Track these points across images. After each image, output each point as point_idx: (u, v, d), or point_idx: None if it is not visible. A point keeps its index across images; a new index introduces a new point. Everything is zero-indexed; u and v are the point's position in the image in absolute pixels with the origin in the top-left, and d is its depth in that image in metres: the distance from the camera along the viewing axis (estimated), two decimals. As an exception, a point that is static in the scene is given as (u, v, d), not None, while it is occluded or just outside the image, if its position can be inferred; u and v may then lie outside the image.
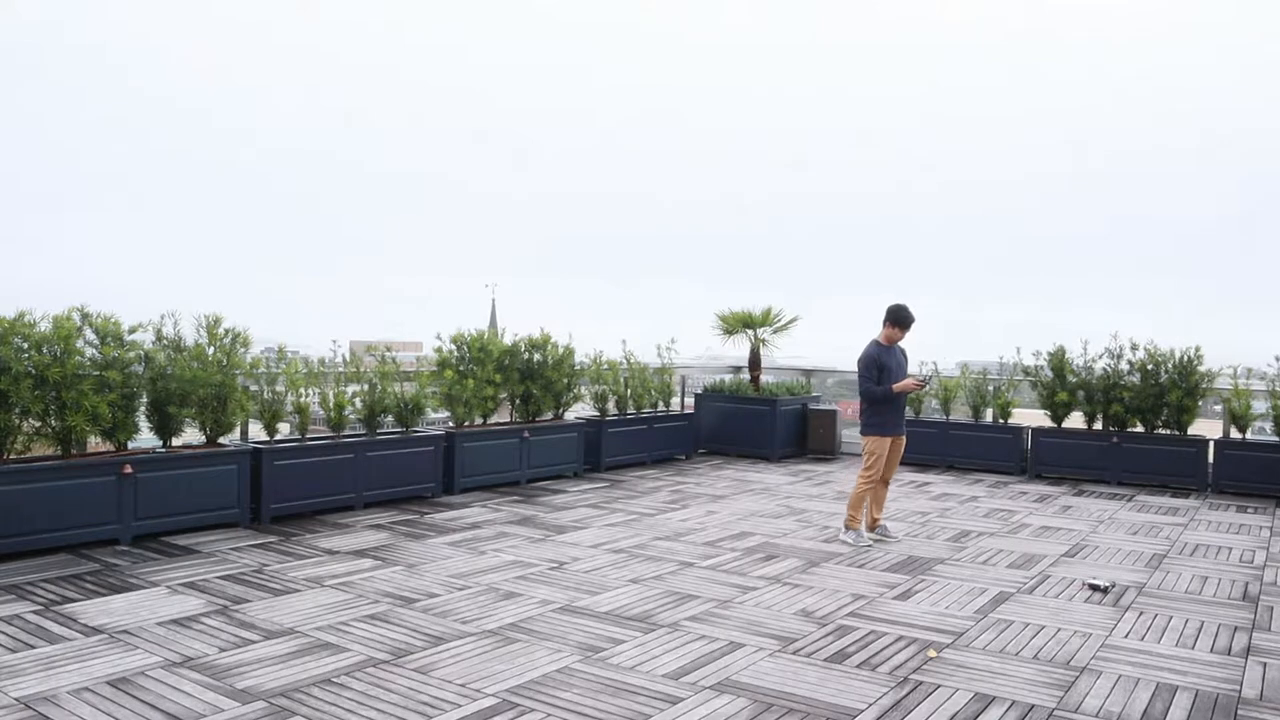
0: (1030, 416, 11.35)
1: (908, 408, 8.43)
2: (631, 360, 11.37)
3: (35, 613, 4.99)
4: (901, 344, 7.33)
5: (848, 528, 7.20)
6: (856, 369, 7.25)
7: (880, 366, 7.11)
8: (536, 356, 9.96)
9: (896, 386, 7.08)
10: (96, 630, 4.73)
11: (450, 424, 9.32)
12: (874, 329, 7.27)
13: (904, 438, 7.34)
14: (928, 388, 7.04)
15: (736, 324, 12.63)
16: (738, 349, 12.91)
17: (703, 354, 13.72)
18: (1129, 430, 10.47)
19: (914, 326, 7.21)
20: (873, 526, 7.36)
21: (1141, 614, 5.45)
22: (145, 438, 7.19)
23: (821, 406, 12.50)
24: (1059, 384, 10.77)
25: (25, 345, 6.27)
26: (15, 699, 3.86)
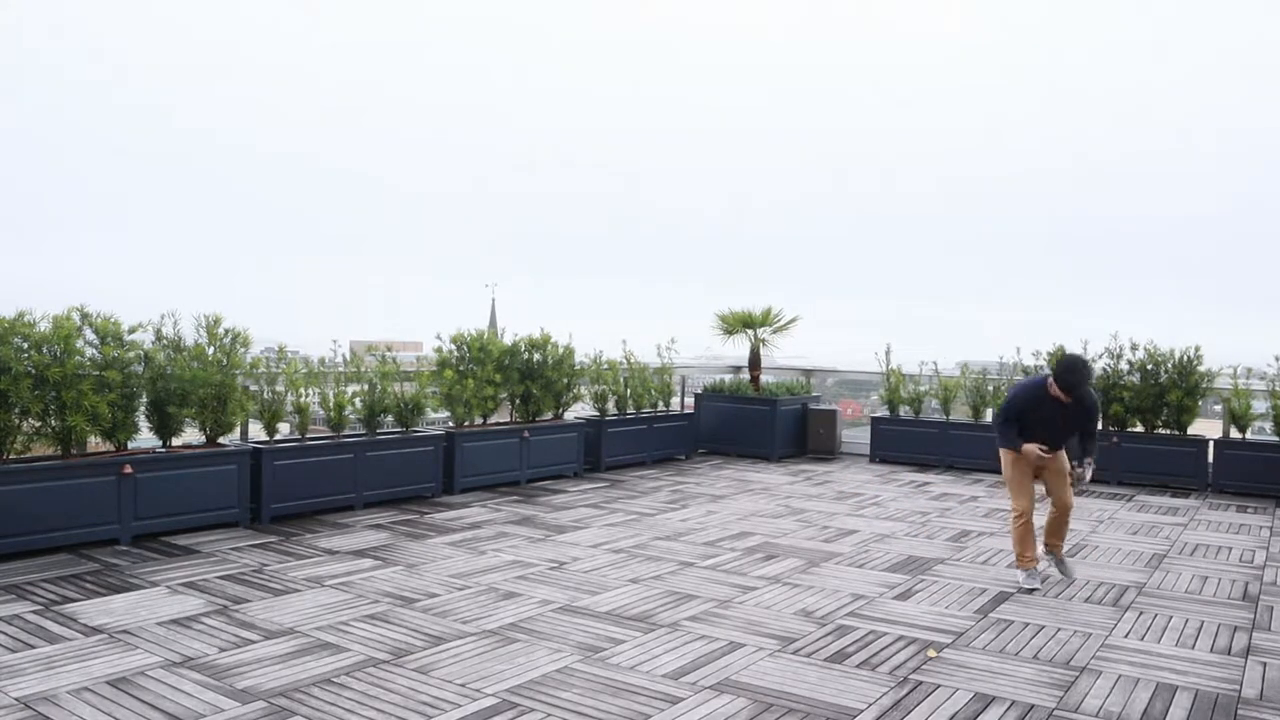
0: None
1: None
2: (631, 360, 11.37)
3: (35, 613, 4.99)
4: (1086, 396, 5.79)
5: (1018, 566, 6.08)
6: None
7: (1022, 415, 5.88)
8: (536, 356, 9.95)
9: (1026, 448, 5.83)
10: (96, 630, 4.73)
11: (450, 424, 9.32)
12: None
13: (1059, 453, 6.00)
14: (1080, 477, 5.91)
15: (736, 324, 12.63)
16: (738, 349, 12.92)
17: (703, 354, 13.72)
18: (1129, 430, 10.47)
19: (1071, 394, 5.68)
20: (1049, 550, 6.22)
21: (1141, 614, 5.44)
22: (145, 438, 7.19)
23: (821, 406, 12.50)
24: (1059, 384, 10.75)
25: (25, 345, 6.26)
26: (15, 699, 3.86)
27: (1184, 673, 4.48)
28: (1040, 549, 6.26)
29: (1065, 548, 6.74)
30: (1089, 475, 5.98)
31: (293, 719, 3.74)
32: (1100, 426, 5.98)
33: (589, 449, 10.43)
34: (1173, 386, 10.17)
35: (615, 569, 6.24)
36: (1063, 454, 6.06)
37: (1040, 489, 6.24)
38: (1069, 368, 5.62)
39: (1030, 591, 5.88)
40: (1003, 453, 6.10)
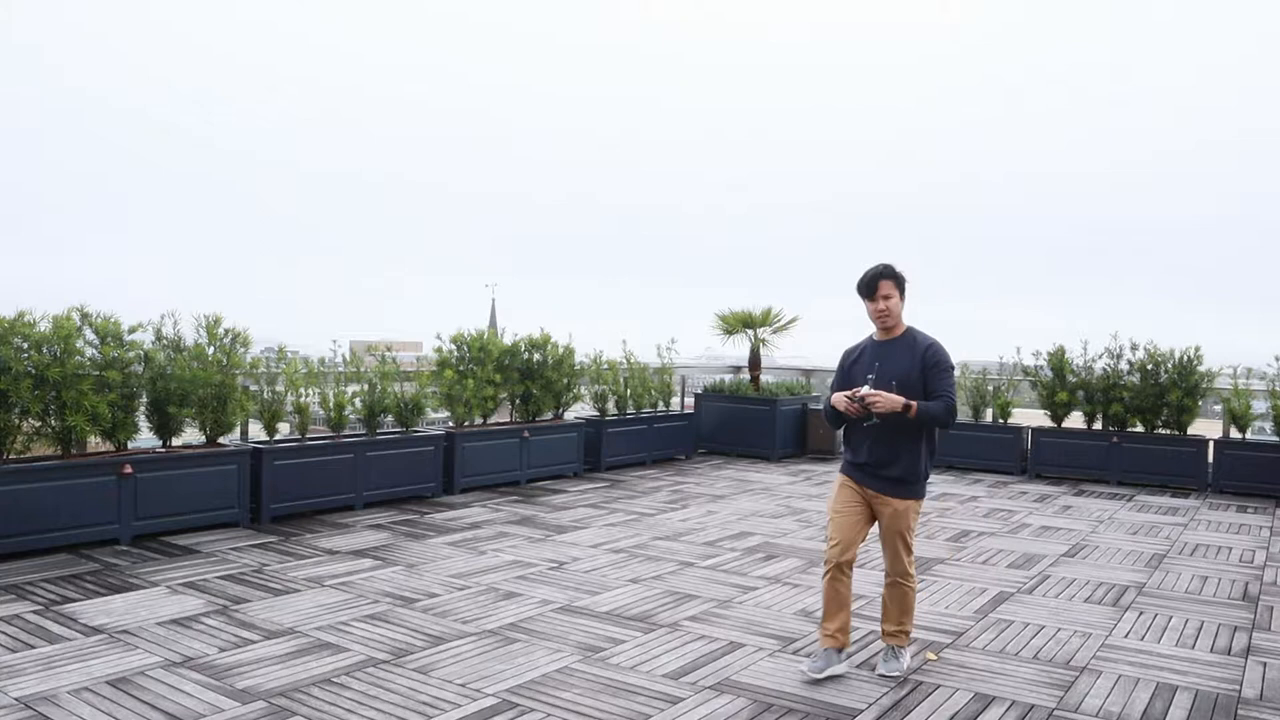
0: (1030, 416, 11.35)
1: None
2: (631, 360, 11.37)
3: (35, 613, 4.99)
4: (919, 336, 4.39)
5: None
6: None
7: (844, 371, 4.52)
8: (536, 356, 9.95)
9: (835, 397, 4.34)
10: (96, 630, 4.73)
11: (450, 424, 9.32)
12: (868, 330, 4.53)
13: (881, 497, 4.43)
14: (864, 403, 4.21)
15: (736, 324, 12.63)
16: (738, 349, 12.93)
17: (703, 354, 13.74)
18: (1129, 430, 10.47)
19: (875, 294, 4.33)
20: (882, 636, 4.50)
21: (1141, 614, 5.44)
22: (145, 438, 7.19)
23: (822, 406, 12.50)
24: (1059, 384, 10.77)
25: (25, 345, 6.26)
26: (15, 699, 3.86)
27: (1184, 673, 4.48)
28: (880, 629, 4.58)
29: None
30: (868, 394, 4.16)
31: (293, 719, 3.74)
32: (951, 392, 4.30)
33: (589, 449, 10.43)
34: (1173, 386, 10.17)
35: (615, 569, 6.24)
36: (905, 506, 4.45)
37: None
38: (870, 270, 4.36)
39: (813, 679, 4.24)
40: None
